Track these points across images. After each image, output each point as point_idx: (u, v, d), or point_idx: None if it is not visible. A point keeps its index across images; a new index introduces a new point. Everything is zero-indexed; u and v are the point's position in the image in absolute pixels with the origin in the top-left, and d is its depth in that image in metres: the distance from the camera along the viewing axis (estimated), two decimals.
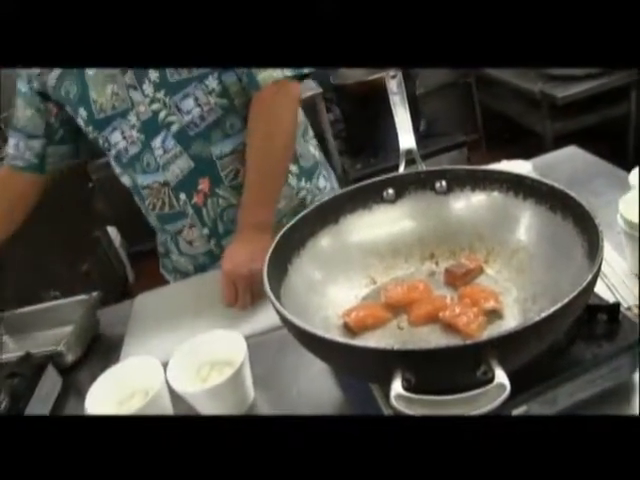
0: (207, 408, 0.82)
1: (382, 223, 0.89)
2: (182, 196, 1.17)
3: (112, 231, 2.98)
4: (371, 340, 0.75)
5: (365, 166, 2.65)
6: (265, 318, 0.99)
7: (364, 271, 0.87)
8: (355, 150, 2.68)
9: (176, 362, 0.84)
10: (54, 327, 1.17)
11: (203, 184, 1.15)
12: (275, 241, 0.76)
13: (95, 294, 1.14)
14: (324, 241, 0.85)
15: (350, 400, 0.77)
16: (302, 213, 0.82)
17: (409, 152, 0.91)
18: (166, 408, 0.84)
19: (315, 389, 0.84)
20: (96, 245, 2.71)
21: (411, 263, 0.88)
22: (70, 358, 1.06)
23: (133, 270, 3.16)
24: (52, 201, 2.23)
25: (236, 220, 1.14)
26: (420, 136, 2.63)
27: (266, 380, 0.88)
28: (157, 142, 1.12)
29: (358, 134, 2.62)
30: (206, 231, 1.21)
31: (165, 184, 1.16)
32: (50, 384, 0.99)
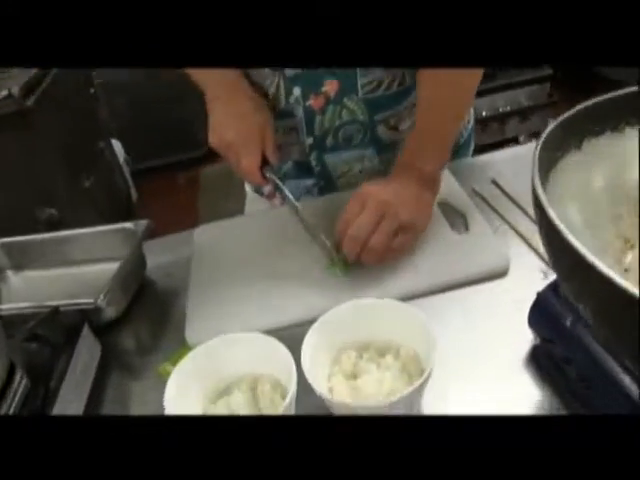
0: None
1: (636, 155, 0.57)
2: (296, 91, 0.85)
3: (116, 145, 2.60)
4: None
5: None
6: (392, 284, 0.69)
7: (614, 225, 0.56)
8: None
9: (310, 347, 0.52)
10: (82, 265, 0.84)
11: (329, 86, 0.85)
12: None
13: (144, 222, 0.80)
14: (566, 175, 0.53)
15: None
16: (544, 133, 0.51)
17: None
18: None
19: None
20: (99, 158, 2.33)
21: None
22: (110, 314, 0.74)
23: (136, 189, 2.80)
24: (50, 105, 1.89)
25: (352, 137, 0.91)
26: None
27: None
28: None
29: None
30: (310, 141, 0.91)
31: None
32: (87, 354, 0.67)
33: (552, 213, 0.40)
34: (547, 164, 0.51)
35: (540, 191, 0.43)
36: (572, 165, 0.54)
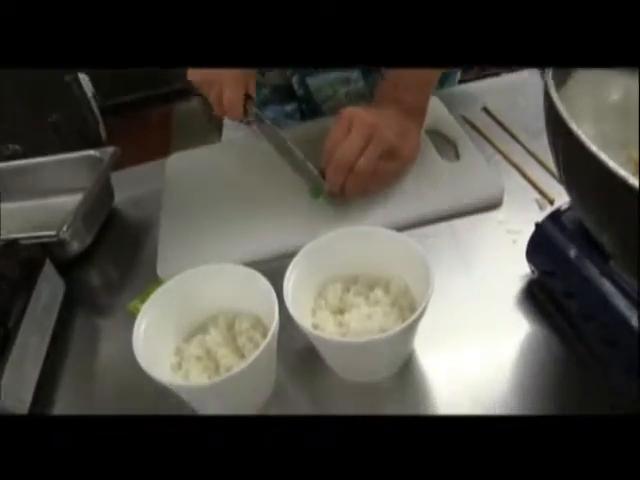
0: (355, 362, 0.48)
1: None
2: None
3: (83, 80, 2.47)
4: None
5: None
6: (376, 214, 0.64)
7: (625, 148, 0.51)
8: None
9: (293, 279, 0.48)
10: (44, 197, 0.78)
11: None
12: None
13: (111, 149, 0.74)
14: (575, 95, 0.49)
15: None
16: None
17: None
18: (273, 360, 0.49)
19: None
20: (66, 93, 2.22)
21: None
22: (75, 248, 0.68)
23: (105, 127, 2.68)
24: None
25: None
26: None
27: None
28: None
29: None
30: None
31: None
32: (49, 291, 0.61)
33: (574, 126, 0.35)
34: (556, 83, 0.46)
35: (558, 102, 0.38)
36: (582, 85, 0.49)
